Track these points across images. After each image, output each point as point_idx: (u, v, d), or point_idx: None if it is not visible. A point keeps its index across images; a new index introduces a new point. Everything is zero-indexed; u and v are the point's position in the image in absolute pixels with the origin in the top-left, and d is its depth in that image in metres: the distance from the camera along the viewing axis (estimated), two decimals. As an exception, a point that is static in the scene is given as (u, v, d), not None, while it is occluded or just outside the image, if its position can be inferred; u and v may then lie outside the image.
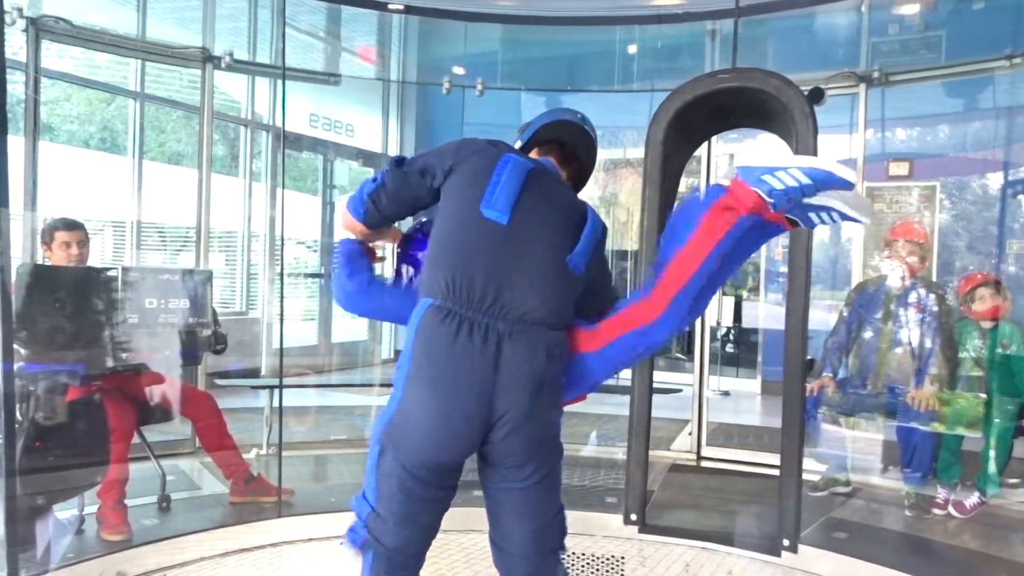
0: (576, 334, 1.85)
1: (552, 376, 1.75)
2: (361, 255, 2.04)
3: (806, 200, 1.59)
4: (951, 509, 3.77)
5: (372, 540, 1.80)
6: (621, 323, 1.82)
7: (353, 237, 2.04)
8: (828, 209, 1.59)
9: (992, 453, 3.71)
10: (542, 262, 1.78)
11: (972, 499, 3.76)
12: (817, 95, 3.66)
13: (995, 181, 6.86)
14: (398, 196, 1.90)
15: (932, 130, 7.12)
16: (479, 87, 5.80)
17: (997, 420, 3.71)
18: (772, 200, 1.58)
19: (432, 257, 1.80)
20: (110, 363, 3.20)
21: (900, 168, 6.77)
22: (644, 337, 1.79)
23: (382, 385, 5.74)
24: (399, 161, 1.92)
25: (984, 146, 6.74)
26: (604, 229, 1.95)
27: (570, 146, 2.05)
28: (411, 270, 2.06)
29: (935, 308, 3.94)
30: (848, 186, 1.55)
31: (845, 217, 1.60)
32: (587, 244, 1.87)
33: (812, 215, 1.63)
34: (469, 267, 1.72)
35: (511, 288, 1.72)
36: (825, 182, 1.55)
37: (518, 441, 1.73)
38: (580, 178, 2.10)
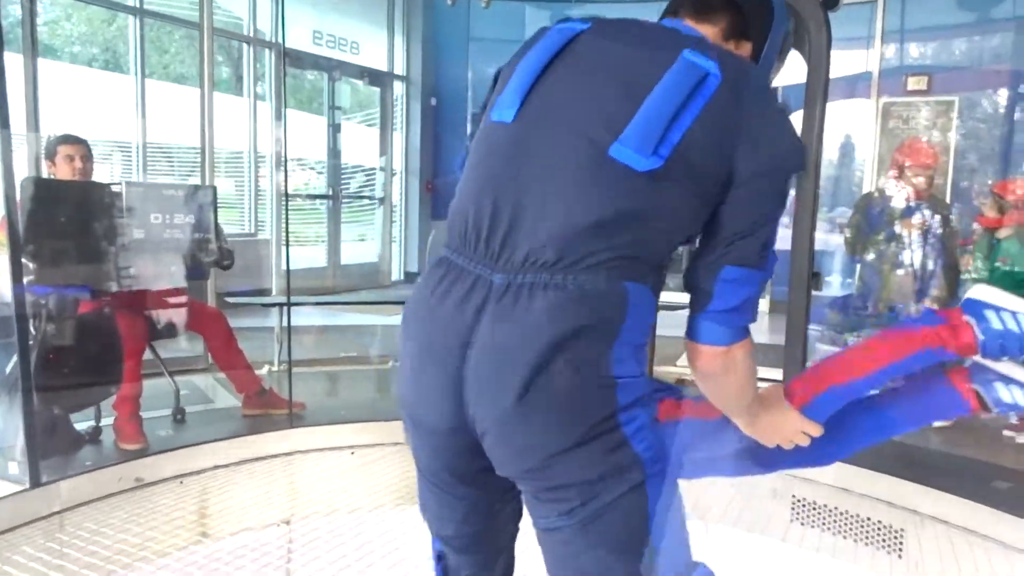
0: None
1: (559, 376, 1.06)
2: None
3: (1008, 367, 1.35)
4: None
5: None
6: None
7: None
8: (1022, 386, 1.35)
9: None
10: (560, 163, 1.09)
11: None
12: (832, 1, 3.54)
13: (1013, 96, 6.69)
14: None
15: (951, 43, 6.91)
16: (485, -1, 5.64)
17: None
18: (983, 338, 1.32)
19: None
20: (118, 278, 3.23)
21: (919, 83, 6.61)
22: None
23: (391, 303, 5.80)
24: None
25: (1004, 60, 6.55)
26: (734, 83, 1.10)
27: None
28: None
29: (939, 230, 3.90)
30: None
31: None
32: (659, 109, 1.07)
33: (1002, 389, 1.37)
34: (464, 195, 1.17)
35: (520, 216, 1.09)
36: None
37: (507, 457, 1.13)
38: (743, 31, 1.25)
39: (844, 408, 1.37)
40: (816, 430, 1.31)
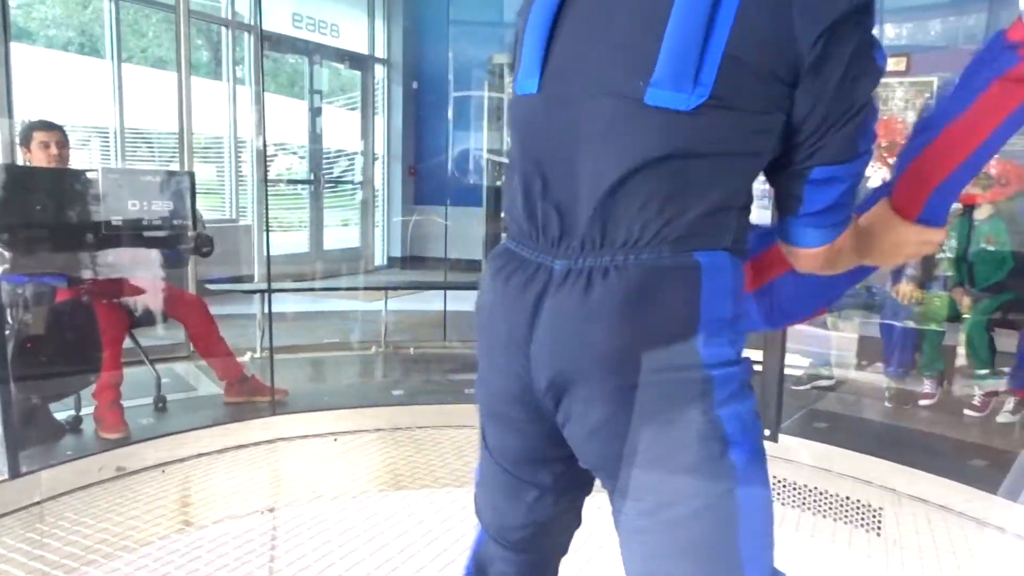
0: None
1: (634, 371, 0.96)
2: None
3: None
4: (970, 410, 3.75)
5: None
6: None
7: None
8: None
9: (967, 347, 3.77)
10: (597, 130, 0.97)
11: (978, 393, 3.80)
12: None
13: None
14: None
15: (927, 24, 6.93)
16: (465, -19, 5.59)
17: (967, 316, 3.77)
18: None
19: None
20: (94, 266, 3.20)
21: (898, 64, 6.62)
22: None
23: (373, 288, 5.79)
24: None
25: (981, 40, 6.57)
26: None
27: None
28: None
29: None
30: None
31: None
32: (684, 29, 0.92)
33: None
34: (512, 181, 1.09)
35: (570, 196, 1.00)
36: None
37: (584, 441, 1.04)
38: None
39: None
40: (939, 235, 1.16)
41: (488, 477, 1.24)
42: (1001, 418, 3.64)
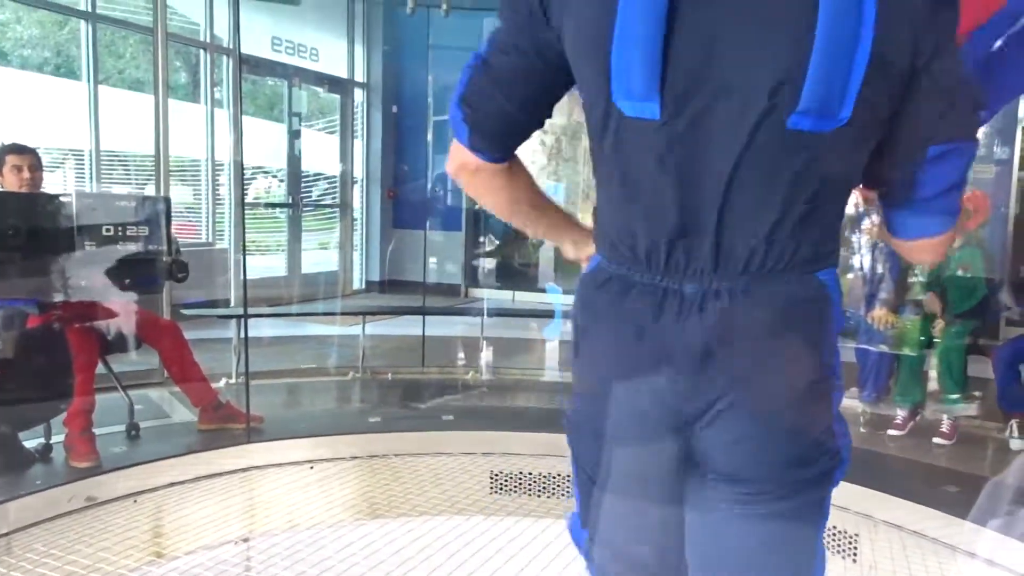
0: None
1: (783, 360, 1.02)
2: None
3: None
4: (939, 439, 3.76)
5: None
6: None
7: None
8: None
9: (940, 372, 3.81)
10: (734, 153, 0.95)
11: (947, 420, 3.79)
12: None
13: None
14: (501, 90, 1.06)
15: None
16: (444, 7, 5.65)
17: (938, 340, 3.82)
18: None
19: (597, 189, 1.13)
20: (67, 291, 3.16)
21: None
22: None
23: (350, 313, 5.77)
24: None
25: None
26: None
27: None
28: None
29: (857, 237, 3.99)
30: None
31: None
32: (834, 51, 0.89)
33: None
34: (624, 205, 1.04)
35: (702, 220, 0.99)
36: None
37: (726, 448, 1.06)
38: None
39: None
40: None
41: (612, 512, 1.18)
42: (1015, 444, 3.63)
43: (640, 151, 0.99)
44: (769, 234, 0.97)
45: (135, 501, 2.99)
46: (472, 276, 8.45)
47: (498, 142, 1.12)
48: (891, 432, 3.87)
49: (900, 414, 3.92)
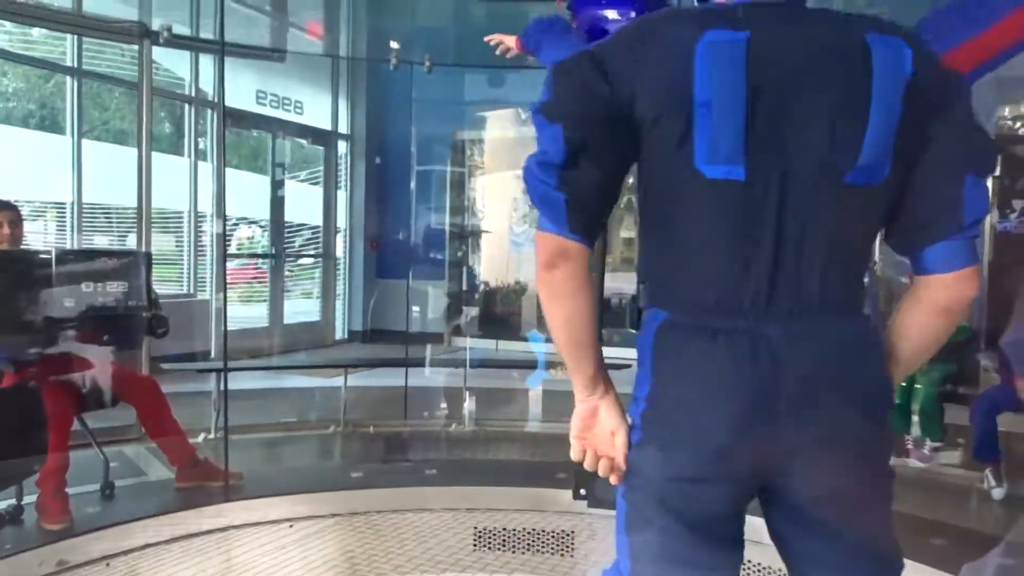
0: None
1: (867, 388, 1.17)
2: None
3: None
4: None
5: None
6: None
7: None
8: None
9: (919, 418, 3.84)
10: (805, 207, 1.11)
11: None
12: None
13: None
14: (593, 163, 1.12)
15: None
16: (427, 63, 5.74)
17: (918, 386, 3.84)
18: None
19: (650, 246, 1.22)
20: (45, 349, 3.11)
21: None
22: None
23: (331, 367, 5.72)
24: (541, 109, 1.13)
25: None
26: (924, 57, 1.13)
27: None
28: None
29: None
30: None
31: None
32: (885, 124, 1.09)
33: None
34: (708, 260, 1.14)
35: (774, 270, 1.12)
36: None
37: (820, 479, 1.18)
38: None
39: None
40: None
41: (687, 557, 1.20)
42: (996, 494, 3.61)
43: (722, 210, 1.12)
44: (836, 276, 1.14)
45: (108, 565, 2.91)
46: (455, 325, 8.43)
47: (595, 221, 1.16)
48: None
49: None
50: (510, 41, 1.95)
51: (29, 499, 3.14)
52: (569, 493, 3.49)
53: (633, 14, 1.50)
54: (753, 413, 1.12)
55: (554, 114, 1.11)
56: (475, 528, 3.34)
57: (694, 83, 1.07)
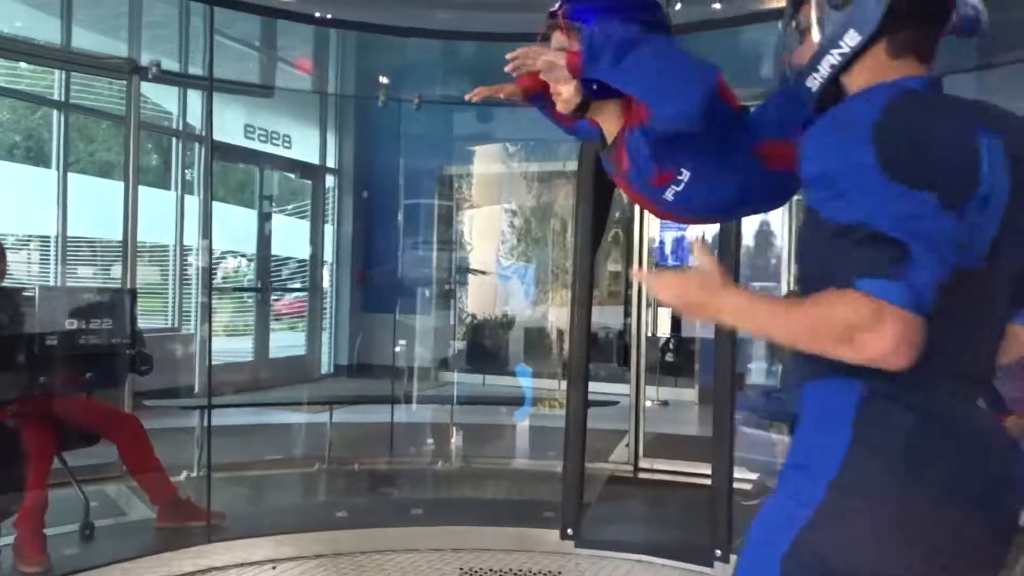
0: None
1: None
2: None
3: None
4: None
5: None
6: None
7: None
8: None
9: None
10: (1000, 299, 1.27)
11: None
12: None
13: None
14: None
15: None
16: (416, 100, 5.78)
17: None
18: None
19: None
20: (26, 387, 3.07)
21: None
22: None
23: (317, 403, 5.67)
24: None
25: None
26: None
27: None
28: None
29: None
30: None
31: None
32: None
33: None
34: (962, 345, 1.22)
35: (995, 351, 1.29)
36: None
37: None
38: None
39: None
40: None
41: None
42: None
43: (969, 296, 1.20)
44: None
45: (85, 609, 2.85)
46: (442, 360, 8.40)
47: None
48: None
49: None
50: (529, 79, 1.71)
51: (6, 540, 3.07)
52: (556, 533, 3.46)
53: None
54: (1004, 490, 1.24)
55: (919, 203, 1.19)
56: (461, 569, 3.30)
57: (980, 183, 1.18)
